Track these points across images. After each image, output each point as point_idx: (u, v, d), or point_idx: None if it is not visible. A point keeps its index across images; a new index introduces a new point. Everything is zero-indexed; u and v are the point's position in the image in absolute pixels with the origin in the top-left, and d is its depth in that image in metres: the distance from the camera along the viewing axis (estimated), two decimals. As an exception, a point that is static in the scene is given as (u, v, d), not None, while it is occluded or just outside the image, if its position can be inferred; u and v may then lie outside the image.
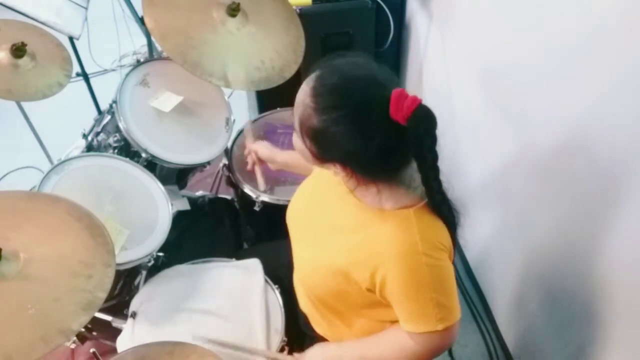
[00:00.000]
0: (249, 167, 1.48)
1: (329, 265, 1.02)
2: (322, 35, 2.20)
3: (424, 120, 0.83)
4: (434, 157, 0.88)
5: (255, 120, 1.86)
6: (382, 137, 0.85)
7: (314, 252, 1.09)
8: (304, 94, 0.90)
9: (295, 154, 1.36)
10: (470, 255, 2.06)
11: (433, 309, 0.93)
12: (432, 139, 0.86)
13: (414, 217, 0.93)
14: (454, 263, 1.02)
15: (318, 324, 1.20)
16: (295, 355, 1.15)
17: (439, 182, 0.92)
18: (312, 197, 1.17)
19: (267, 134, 1.81)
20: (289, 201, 1.59)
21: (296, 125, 0.93)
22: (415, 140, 0.85)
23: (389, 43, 2.38)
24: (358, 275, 0.97)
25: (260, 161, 1.46)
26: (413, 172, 0.96)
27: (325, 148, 0.91)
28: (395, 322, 1.03)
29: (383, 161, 0.90)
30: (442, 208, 0.95)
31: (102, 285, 0.99)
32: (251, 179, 1.65)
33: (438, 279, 0.93)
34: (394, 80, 0.89)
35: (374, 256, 0.93)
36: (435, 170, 0.90)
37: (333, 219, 1.05)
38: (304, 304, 1.22)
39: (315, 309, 1.17)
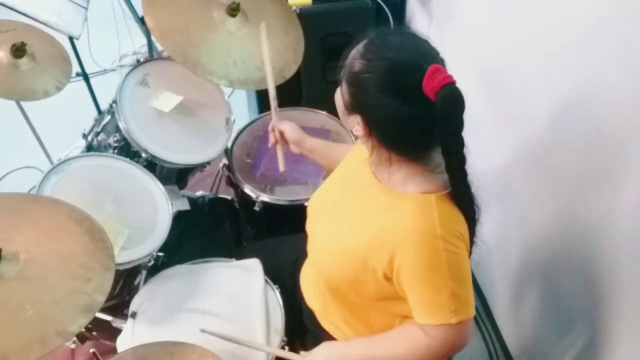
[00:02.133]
0: (269, 145, 1.43)
1: (348, 249, 1.02)
2: (322, 35, 2.20)
3: (451, 99, 0.84)
4: (458, 143, 0.89)
5: (256, 120, 1.85)
6: (408, 100, 0.86)
7: (334, 236, 1.08)
8: (359, 43, 0.93)
9: (323, 144, 1.37)
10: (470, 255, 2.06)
11: (448, 298, 0.91)
12: (457, 123, 0.87)
13: (434, 202, 0.93)
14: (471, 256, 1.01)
15: (326, 318, 1.19)
16: (302, 353, 1.15)
17: (463, 172, 0.92)
18: (338, 184, 1.17)
19: (268, 133, 1.81)
20: (289, 201, 1.59)
21: (342, 73, 0.96)
22: (440, 120, 0.86)
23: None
24: (376, 260, 0.96)
25: (284, 141, 1.40)
26: (439, 158, 0.96)
27: (356, 95, 0.93)
28: (407, 317, 1.02)
29: (401, 130, 0.91)
30: (463, 200, 0.95)
31: (101, 288, 1.00)
32: (252, 179, 1.65)
33: (455, 266, 0.92)
34: (439, 60, 0.90)
35: (393, 239, 0.93)
36: (459, 158, 0.90)
37: (356, 203, 1.06)
38: (315, 296, 1.21)
39: (327, 301, 1.15)
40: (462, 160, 0.90)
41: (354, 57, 0.92)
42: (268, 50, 1.39)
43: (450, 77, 0.84)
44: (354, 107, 0.94)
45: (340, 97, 0.98)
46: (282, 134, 1.38)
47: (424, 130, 0.90)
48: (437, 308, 0.93)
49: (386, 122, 0.91)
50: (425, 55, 0.88)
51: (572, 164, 1.30)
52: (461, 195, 0.94)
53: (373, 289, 1.02)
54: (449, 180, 0.94)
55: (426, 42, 0.92)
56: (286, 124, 1.38)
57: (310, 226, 1.18)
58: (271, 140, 1.41)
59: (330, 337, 1.19)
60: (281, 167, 1.40)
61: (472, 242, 1.01)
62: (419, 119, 0.88)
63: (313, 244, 1.17)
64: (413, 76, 0.85)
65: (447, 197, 0.95)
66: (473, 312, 0.95)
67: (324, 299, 1.17)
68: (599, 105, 1.17)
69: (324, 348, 1.11)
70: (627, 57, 1.07)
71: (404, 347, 1.00)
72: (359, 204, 1.05)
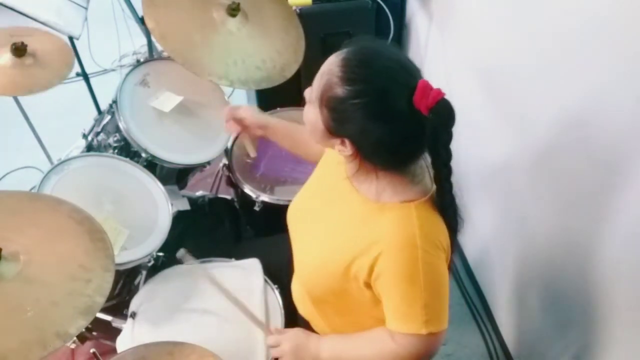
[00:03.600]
0: (233, 135, 1.38)
1: (330, 261, 1.02)
2: (322, 35, 2.20)
3: (444, 114, 0.84)
4: (448, 155, 0.89)
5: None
6: (400, 121, 0.86)
7: (315, 249, 1.08)
8: (331, 64, 0.89)
9: (286, 125, 1.33)
10: (470, 255, 2.06)
11: (420, 308, 0.92)
12: (449, 136, 0.87)
13: (414, 211, 0.92)
14: (453, 264, 1.01)
15: (317, 327, 1.20)
16: (273, 329, 1.16)
17: (450, 184, 0.93)
18: (315, 196, 1.16)
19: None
20: (289, 201, 1.59)
21: (315, 94, 0.92)
22: (432, 134, 0.86)
23: (388, 43, 2.38)
24: (358, 269, 0.96)
25: (246, 127, 1.34)
26: (417, 168, 0.97)
27: (341, 120, 0.89)
28: None
29: (393, 149, 0.90)
30: (449, 211, 0.95)
31: (101, 290, 0.99)
32: (252, 179, 1.65)
33: (431, 277, 0.92)
34: (420, 72, 0.89)
35: (374, 247, 0.93)
36: (448, 169, 0.91)
37: (335, 214, 1.05)
38: (305, 309, 1.21)
39: (318, 313, 1.16)
40: (450, 171, 0.91)
41: (331, 82, 0.87)
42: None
43: (441, 91, 0.84)
44: (339, 132, 0.91)
45: (316, 119, 0.93)
46: (241, 121, 1.33)
47: (415, 144, 0.90)
48: (409, 317, 0.93)
49: (378, 144, 0.89)
50: (409, 71, 0.87)
51: (573, 163, 1.30)
52: (447, 206, 0.95)
53: (357, 297, 1.02)
54: (437, 191, 0.95)
55: (401, 51, 0.91)
56: (242, 109, 1.33)
57: (293, 241, 1.17)
58: (233, 130, 1.36)
59: None
60: (252, 153, 1.36)
61: (454, 249, 1.01)
62: (411, 135, 0.88)
63: (298, 262, 1.17)
64: (404, 96, 0.84)
65: (426, 204, 0.94)
66: (445, 325, 0.95)
67: (311, 311, 1.17)
68: (600, 105, 1.17)
69: (298, 333, 1.11)
70: (628, 57, 1.07)
71: (372, 351, 1.01)
72: (337, 216, 1.04)
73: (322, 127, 0.93)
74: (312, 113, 0.95)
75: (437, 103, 0.83)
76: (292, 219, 1.19)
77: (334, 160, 1.09)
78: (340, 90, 0.86)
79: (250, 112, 1.33)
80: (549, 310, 1.52)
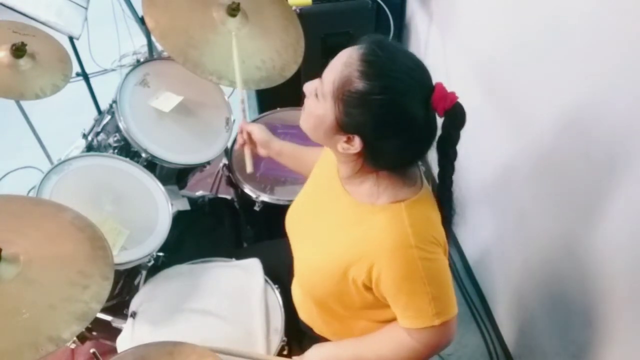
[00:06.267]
0: (236, 146, 1.40)
1: (326, 264, 1.02)
2: (322, 35, 2.20)
3: (459, 117, 0.87)
4: (455, 155, 0.92)
5: (256, 120, 1.85)
6: (416, 121, 0.86)
7: (313, 252, 1.08)
8: (350, 57, 0.86)
9: (292, 147, 1.34)
10: (470, 255, 2.06)
11: (429, 303, 0.92)
12: (458, 137, 0.90)
13: (404, 211, 0.92)
14: (452, 261, 1.02)
15: (317, 329, 1.20)
16: (295, 358, 1.15)
17: (452, 181, 0.96)
18: (311, 200, 1.17)
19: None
20: (289, 201, 1.59)
21: (328, 87, 0.88)
22: (445, 135, 0.89)
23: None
24: (355, 271, 0.96)
25: (252, 143, 1.38)
26: (414, 168, 0.98)
27: (355, 116, 0.86)
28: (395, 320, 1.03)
29: (404, 147, 0.90)
30: (447, 205, 0.98)
31: (98, 297, 0.99)
32: (252, 179, 1.65)
33: (432, 272, 0.92)
34: (429, 73, 0.90)
35: (368, 251, 0.93)
36: (452, 168, 0.94)
37: (328, 218, 1.05)
38: (305, 311, 1.22)
39: (317, 315, 1.16)
40: (453, 170, 0.95)
41: (351, 75, 0.85)
42: (237, 55, 1.44)
43: (456, 95, 0.86)
44: (350, 128, 0.88)
45: (325, 113, 0.90)
46: (250, 135, 1.37)
47: (425, 144, 0.91)
48: (419, 313, 0.94)
49: (391, 142, 0.89)
50: (426, 73, 0.88)
51: (572, 164, 1.30)
52: (446, 200, 0.98)
53: (357, 299, 1.02)
54: (438, 187, 0.97)
55: (412, 53, 0.91)
56: (254, 126, 1.37)
57: (292, 246, 1.18)
58: (239, 141, 1.40)
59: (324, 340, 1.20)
60: (249, 168, 1.39)
61: (449, 240, 1.02)
62: (423, 135, 0.90)
63: (298, 265, 1.17)
64: (422, 96, 0.85)
65: (416, 203, 0.94)
66: (455, 311, 0.96)
67: (312, 314, 1.18)
68: (600, 106, 1.17)
69: (315, 350, 1.11)
70: (627, 55, 1.07)
71: (390, 349, 1.02)
72: (331, 219, 1.04)
73: (332, 122, 0.89)
74: (319, 107, 0.91)
75: (453, 106, 0.85)
76: (290, 222, 1.19)
77: (329, 163, 1.09)
78: (360, 85, 0.84)
79: (259, 129, 1.36)
80: (549, 310, 1.52)
